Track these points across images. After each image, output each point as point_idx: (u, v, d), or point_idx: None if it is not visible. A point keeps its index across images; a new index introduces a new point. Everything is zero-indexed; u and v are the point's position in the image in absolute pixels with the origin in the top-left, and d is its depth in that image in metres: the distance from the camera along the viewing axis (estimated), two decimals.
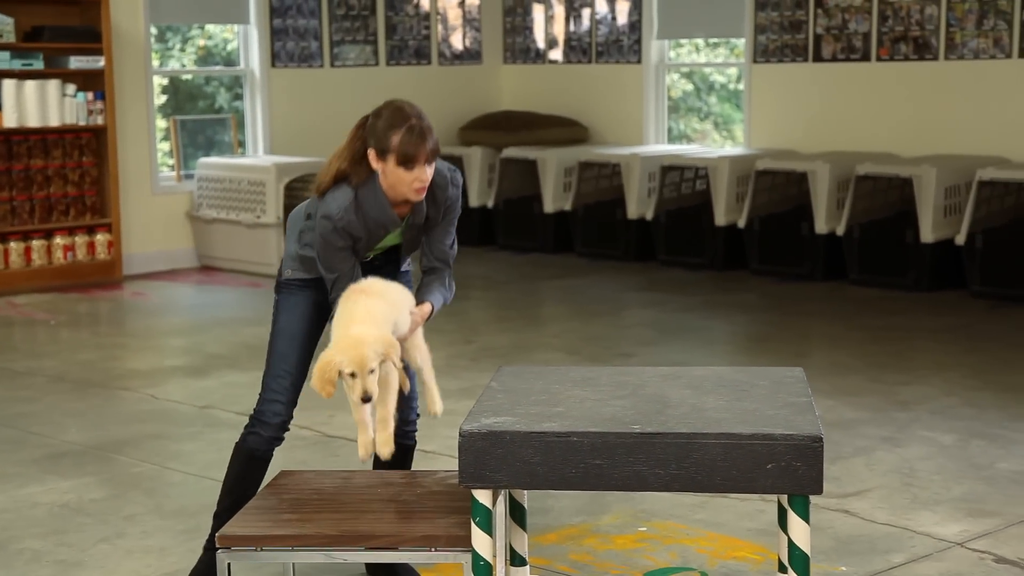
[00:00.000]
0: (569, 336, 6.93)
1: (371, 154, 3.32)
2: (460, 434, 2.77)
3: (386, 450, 3.19)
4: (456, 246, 3.59)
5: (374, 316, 3.17)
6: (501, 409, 2.94)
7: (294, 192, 8.99)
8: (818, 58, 8.96)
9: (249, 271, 8.90)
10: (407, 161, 3.27)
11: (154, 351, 6.74)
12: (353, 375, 3.08)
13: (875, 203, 8.10)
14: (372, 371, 3.09)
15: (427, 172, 3.30)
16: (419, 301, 3.51)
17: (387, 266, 3.53)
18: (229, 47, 9.97)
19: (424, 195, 3.35)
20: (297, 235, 3.51)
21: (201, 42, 10.16)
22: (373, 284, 3.28)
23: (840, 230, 8.14)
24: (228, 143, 9.65)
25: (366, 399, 3.11)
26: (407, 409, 3.66)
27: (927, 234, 7.78)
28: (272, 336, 3.57)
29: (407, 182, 3.30)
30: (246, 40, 9.52)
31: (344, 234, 3.33)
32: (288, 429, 3.59)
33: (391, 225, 3.39)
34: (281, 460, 4.78)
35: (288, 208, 8.85)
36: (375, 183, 3.34)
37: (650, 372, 3.31)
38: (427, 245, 3.52)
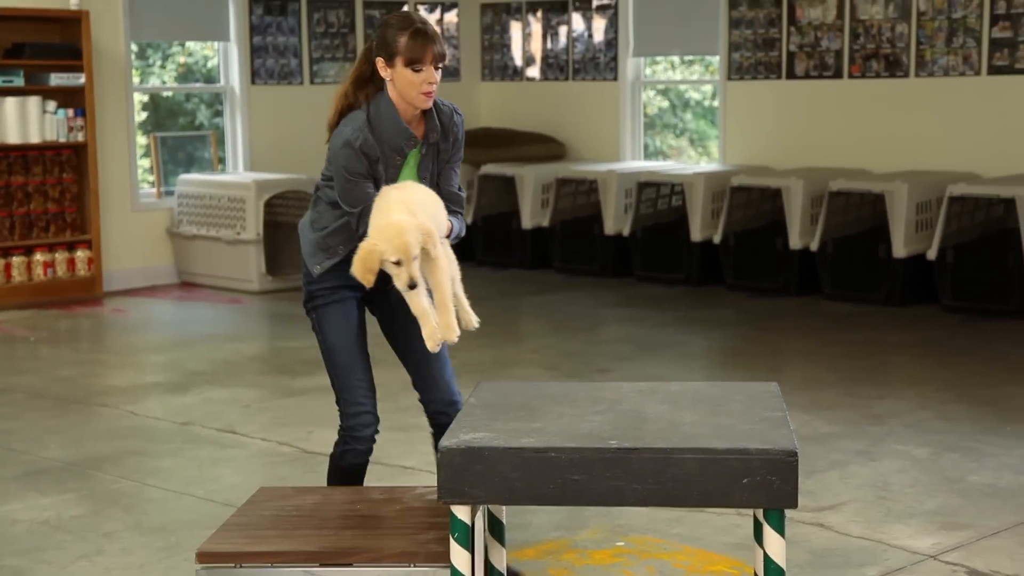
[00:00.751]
0: (547, 352, 6.93)
1: (379, 63, 3.33)
2: (439, 450, 2.77)
3: (452, 335, 3.16)
4: (464, 191, 3.57)
5: (409, 205, 3.13)
6: (480, 425, 2.94)
7: (274, 209, 8.97)
8: (791, 75, 9.02)
9: (229, 287, 8.88)
10: (415, 61, 3.27)
11: (134, 367, 6.71)
12: (398, 263, 3.04)
13: (848, 218, 8.14)
14: (415, 257, 3.05)
15: (435, 75, 3.29)
16: None
17: None
18: (209, 64, 9.96)
19: (432, 101, 3.34)
20: (310, 225, 3.49)
21: (181, 59, 10.14)
22: (406, 182, 3.29)
23: (814, 245, 8.18)
24: (208, 160, 9.62)
25: (412, 285, 3.06)
26: (447, 391, 3.58)
27: (899, 249, 7.83)
28: (326, 355, 3.54)
29: (416, 84, 3.28)
30: (226, 57, 9.51)
31: (362, 157, 3.30)
32: (379, 432, 3.58)
33: (406, 143, 3.35)
34: (260, 476, 4.77)
35: (268, 224, 8.83)
36: (385, 98, 3.34)
37: (627, 387, 3.32)
38: (438, 189, 3.45)
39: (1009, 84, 8.16)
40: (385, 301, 3.52)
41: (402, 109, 3.34)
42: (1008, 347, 6.81)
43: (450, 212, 3.44)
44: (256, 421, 5.55)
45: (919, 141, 8.57)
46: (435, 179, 3.44)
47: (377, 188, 3.31)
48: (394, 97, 3.33)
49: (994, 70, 8.19)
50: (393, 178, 3.36)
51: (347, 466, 3.49)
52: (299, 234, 3.56)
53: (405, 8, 10.26)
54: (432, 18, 10.47)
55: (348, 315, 3.48)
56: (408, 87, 3.29)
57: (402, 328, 3.53)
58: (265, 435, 5.32)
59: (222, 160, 9.64)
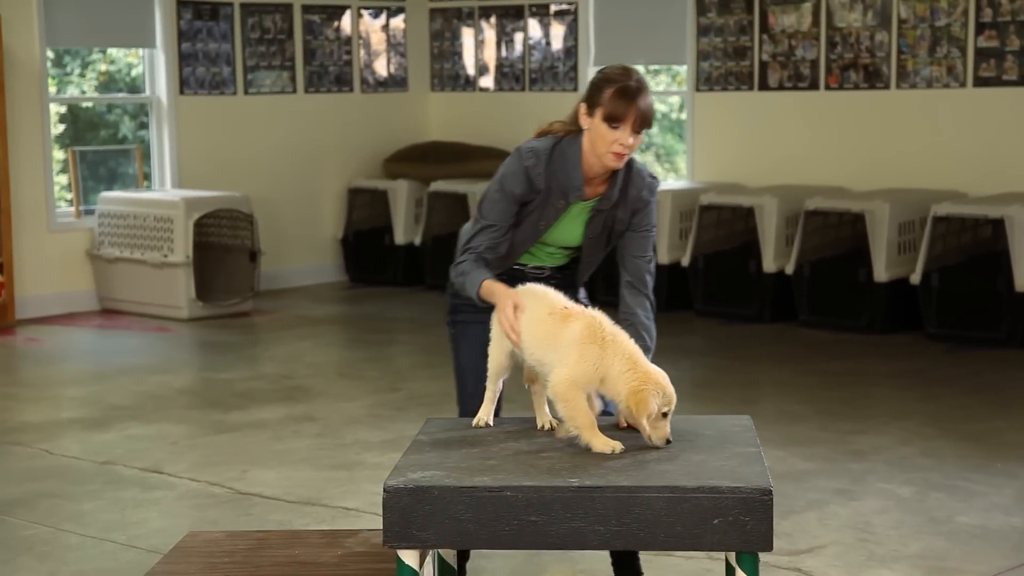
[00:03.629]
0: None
1: (581, 108, 3.42)
2: (384, 490, 2.76)
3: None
4: (654, 267, 3.59)
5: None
6: (429, 463, 2.93)
7: (205, 229, 8.92)
8: (764, 86, 9.11)
9: (155, 314, 8.82)
10: (613, 119, 3.34)
11: (50, 402, 6.64)
12: (665, 415, 3.05)
13: (826, 240, 8.22)
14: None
15: (631, 139, 3.35)
16: None
17: (564, 287, 3.42)
18: (134, 72, 9.91)
19: (621, 163, 3.38)
20: (466, 235, 3.57)
21: (103, 67, 10.09)
22: (531, 289, 3.27)
23: (789, 268, 8.24)
24: (132, 176, 9.56)
25: (669, 442, 3.06)
26: None
27: (880, 273, 7.91)
28: (456, 374, 3.66)
29: (608, 142, 3.35)
30: (152, 65, 9.48)
31: (523, 180, 3.40)
32: None
33: (572, 194, 3.42)
34: (189, 520, 4.73)
35: (198, 246, 8.79)
36: (578, 141, 3.42)
37: None
38: (620, 256, 3.54)
39: (996, 97, 8.29)
40: None
41: (588, 161, 3.43)
42: (997, 378, 6.89)
43: (632, 296, 3.50)
44: (184, 460, 5.50)
45: (901, 157, 8.67)
46: (606, 243, 3.54)
47: (522, 221, 3.44)
48: (585, 146, 3.43)
49: (980, 82, 8.31)
50: (549, 220, 3.45)
51: None
52: (458, 238, 3.69)
53: (382, 18, 10.27)
54: (377, 24, 10.49)
55: (486, 342, 3.43)
56: (600, 141, 3.38)
57: None
58: (194, 475, 5.27)
59: (147, 176, 9.58)
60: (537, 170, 3.41)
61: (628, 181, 3.46)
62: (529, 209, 3.45)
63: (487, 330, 3.36)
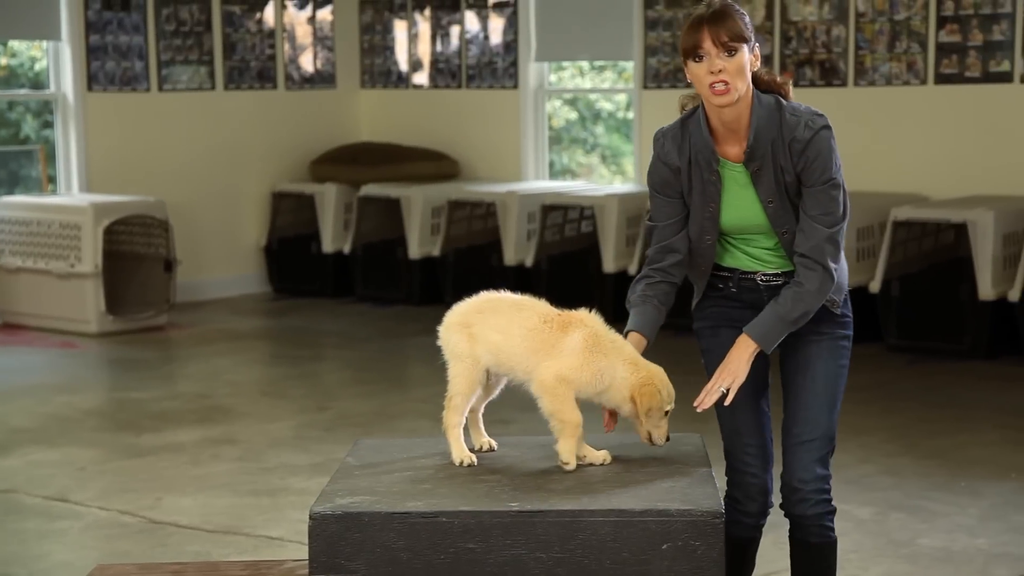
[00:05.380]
0: (437, 401, 6.85)
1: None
2: (311, 516, 2.75)
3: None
4: (838, 231, 3.23)
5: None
6: (358, 487, 2.93)
7: (116, 237, 8.85)
8: None
9: (61, 329, 8.73)
10: (692, 52, 3.18)
11: None
12: (667, 413, 3.14)
13: None
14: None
15: (720, 62, 3.14)
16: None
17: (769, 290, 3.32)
18: (37, 67, 9.81)
19: (727, 98, 3.16)
20: None
21: (3, 61, 9.98)
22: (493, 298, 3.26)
23: None
24: (36, 179, 9.46)
25: (668, 440, 3.16)
26: (795, 467, 3.42)
27: None
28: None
29: (702, 80, 3.18)
30: (57, 59, 9.39)
31: (658, 166, 3.31)
32: (771, 505, 3.48)
33: (712, 158, 3.24)
34: (98, 552, 4.68)
35: (108, 255, 8.71)
36: (701, 105, 3.28)
37: (530, 442, 3.33)
38: (798, 226, 3.25)
39: (958, 95, 8.41)
40: (795, 347, 3.40)
41: (713, 119, 3.26)
42: (961, 391, 6.99)
43: (801, 267, 3.25)
44: (93, 487, 5.45)
45: (859, 158, 8.77)
46: (790, 201, 3.26)
47: (686, 204, 3.30)
48: (706, 106, 3.28)
49: (942, 79, 8.43)
50: (713, 197, 3.27)
51: (733, 538, 3.34)
52: None
53: (308, 10, 10.24)
54: (302, 16, 10.46)
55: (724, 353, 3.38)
56: (698, 84, 3.21)
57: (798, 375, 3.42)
58: (103, 503, 5.22)
59: (52, 179, 9.48)
60: (666, 149, 3.30)
61: (780, 123, 3.22)
62: (691, 198, 3.30)
63: (725, 351, 3.32)
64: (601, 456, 3.14)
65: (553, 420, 3.07)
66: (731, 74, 3.16)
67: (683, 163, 3.29)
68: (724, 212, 3.29)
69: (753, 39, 3.24)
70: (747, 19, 3.24)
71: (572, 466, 3.05)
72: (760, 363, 3.38)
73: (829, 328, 3.36)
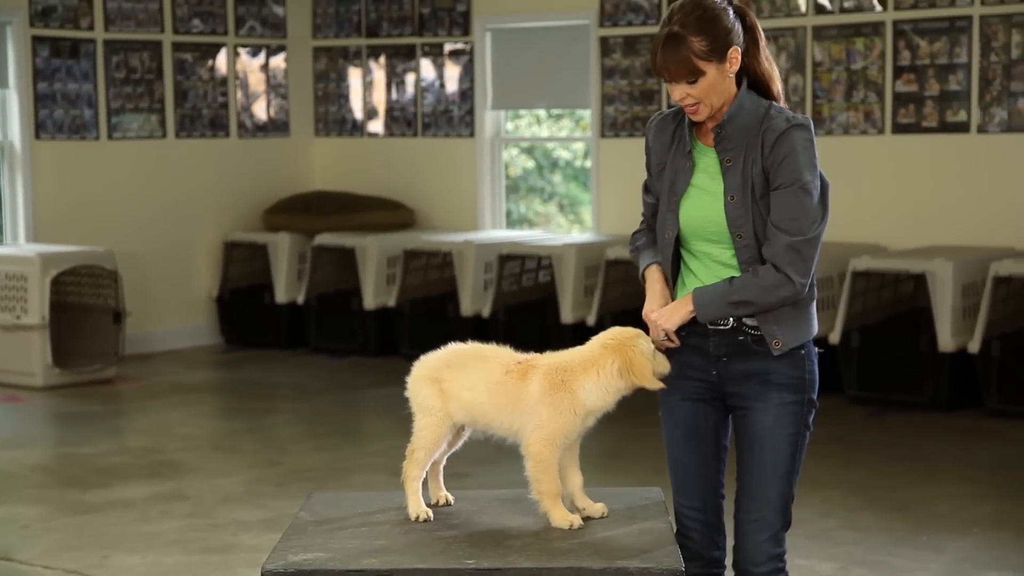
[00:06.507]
0: (394, 455, 6.86)
1: None
2: (263, 574, 2.73)
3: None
4: (803, 241, 3.17)
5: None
6: (312, 544, 2.91)
7: (63, 288, 8.79)
8: None
9: (6, 382, 8.65)
10: (656, 74, 3.20)
11: None
12: (658, 349, 3.20)
13: None
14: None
15: (681, 90, 3.14)
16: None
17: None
18: None
19: (698, 117, 3.16)
20: None
21: None
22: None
23: None
24: None
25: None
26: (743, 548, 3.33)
27: None
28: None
29: (675, 99, 3.19)
30: (4, 107, 9.35)
31: (648, 153, 3.32)
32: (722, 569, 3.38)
33: (688, 134, 3.22)
34: None
35: (56, 307, 8.65)
36: None
37: (487, 496, 3.32)
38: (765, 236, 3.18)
39: (916, 144, 8.51)
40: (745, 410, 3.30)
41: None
42: (922, 443, 7.03)
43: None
44: (38, 544, 5.38)
45: None
46: (753, 201, 3.17)
47: (658, 203, 3.30)
48: None
49: (899, 128, 8.54)
50: (681, 183, 3.23)
51: None
52: None
53: (260, 57, 10.25)
54: (255, 63, 10.47)
55: (673, 414, 3.37)
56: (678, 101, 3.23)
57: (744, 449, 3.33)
58: (49, 561, 5.16)
59: None
60: (651, 135, 3.32)
61: (762, 116, 3.17)
62: (661, 183, 3.29)
63: (669, 406, 3.31)
64: (599, 509, 3.15)
65: (534, 486, 3.09)
66: (697, 96, 3.16)
67: (662, 146, 3.29)
68: (685, 203, 3.23)
69: (724, 47, 3.14)
70: (712, 31, 3.13)
71: (576, 523, 3.05)
72: (711, 426, 3.32)
73: (777, 392, 3.25)
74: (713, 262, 3.25)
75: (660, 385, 3.16)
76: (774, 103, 3.23)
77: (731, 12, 3.20)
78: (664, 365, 3.18)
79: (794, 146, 3.12)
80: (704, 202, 3.22)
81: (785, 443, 3.25)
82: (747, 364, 3.25)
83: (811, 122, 3.19)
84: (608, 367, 3.11)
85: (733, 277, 3.19)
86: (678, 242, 3.28)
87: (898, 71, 8.50)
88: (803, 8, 8.71)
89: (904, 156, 8.54)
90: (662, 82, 9.78)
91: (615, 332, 3.20)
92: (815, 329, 3.32)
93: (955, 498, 6.01)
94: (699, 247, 3.26)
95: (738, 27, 3.19)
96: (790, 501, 3.30)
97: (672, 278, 3.32)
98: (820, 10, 8.70)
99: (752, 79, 3.24)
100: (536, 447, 3.05)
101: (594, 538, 2.95)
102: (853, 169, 8.70)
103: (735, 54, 3.18)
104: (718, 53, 3.15)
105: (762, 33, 3.27)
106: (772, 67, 3.27)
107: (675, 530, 3.28)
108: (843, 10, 8.63)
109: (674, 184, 3.26)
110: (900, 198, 8.57)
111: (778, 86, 3.26)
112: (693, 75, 3.13)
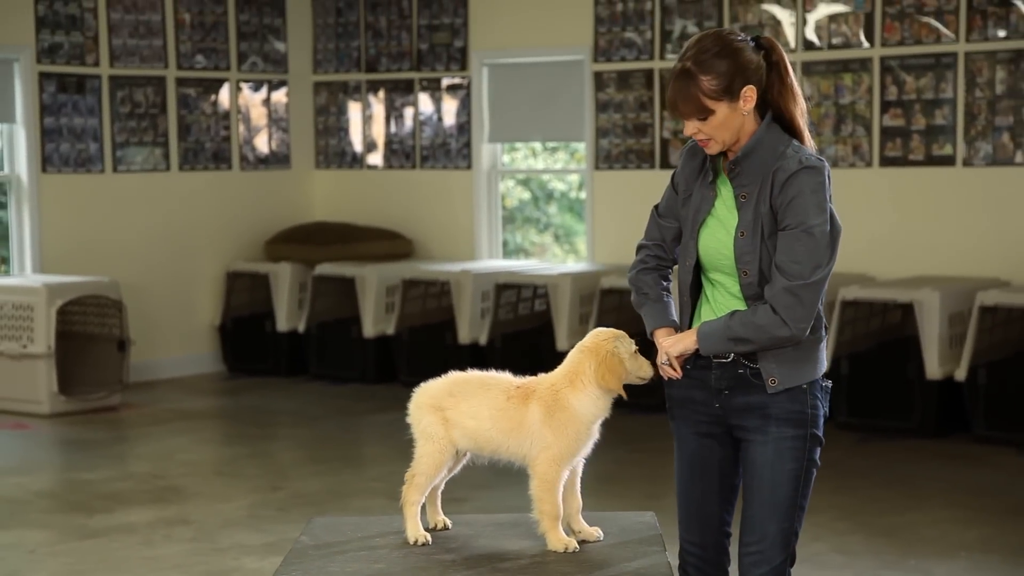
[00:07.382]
0: (393, 480, 6.87)
1: None
2: None
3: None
4: (803, 285, 3.07)
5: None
6: (312, 568, 2.92)
7: (69, 317, 8.80)
8: (665, 164, 9.28)
9: (12, 410, 8.64)
10: (668, 108, 3.19)
11: None
12: (638, 350, 3.20)
13: None
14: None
15: (693, 126, 3.12)
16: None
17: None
18: None
19: (711, 149, 3.15)
20: None
21: None
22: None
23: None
24: None
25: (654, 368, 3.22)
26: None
27: None
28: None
29: (690, 133, 3.17)
30: (11, 141, 9.38)
31: (676, 176, 3.28)
32: None
33: (711, 164, 3.19)
34: None
35: (61, 336, 8.66)
36: None
37: (484, 520, 3.33)
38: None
39: (903, 177, 8.54)
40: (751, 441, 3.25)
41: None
42: (910, 469, 7.04)
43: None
44: (44, 569, 5.38)
45: None
46: (761, 240, 3.12)
47: (682, 229, 3.27)
48: None
49: (886, 161, 8.58)
50: (703, 212, 3.19)
51: None
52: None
53: (262, 92, 10.29)
54: (257, 97, 10.52)
55: (681, 447, 3.37)
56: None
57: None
58: None
59: (5, 260, 9.44)
60: (682, 161, 3.29)
61: (780, 154, 3.11)
62: (687, 211, 3.26)
63: (678, 440, 3.32)
64: (594, 533, 3.17)
65: (536, 506, 3.12)
66: (708, 133, 3.14)
67: (691, 172, 3.26)
68: (703, 233, 3.21)
69: (737, 86, 3.10)
70: (725, 69, 3.09)
71: (572, 547, 3.08)
72: (715, 462, 3.31)
73: (777, 427, 3.18)
74: (727, 293, 3.23)
75: (622, 393, 3.17)
76: (794, 142, 3.16)
77: (751, 48, 3.13)
78: (645, 369, 3.19)
79: (802, 188, 3.08)
80: (719, 234, 3.20)
81: (785, 478, 3.20)
82: (748, 397, 3.21)
83: (826, 164, 3.14)
84: (587, 371, 3.14)
85: (735, 312, 3.15)
86: (698, 269, 3.27)
87: (885, 106, 8.55)
88: (792, 44, 8.76)
89: (891, 189, 8.58)
90: (655, 116, 9.88)
91: (593, 334, 3.23)
92: (822, 369, 3.22)
93: (943, 523, 6.02)
94: (716, 276, 3.24)
95: (758, 63, 3.14)
96: (792, 536, 3.25)
97: (692, 305, 3.29)
98: (809, 46, 8.75)
99: (776, 113, 3.19)
100: (543, 467, 3.08)
101: (590, 563, 2.96)
102: (842, 201, 8.66)
103: (750, 93, 3.12)
104: (729, 93, 3.10)
105: (790, 68, 3.21)
106: (796, 103, 3.20)
107: (677, 563, 3.29)
108: (831, 46, 8.68)
109: (697, 212, 3.23)
110: (888, 229, 8.60)
111: (802, 122, 3.21)
112: (702, 113, 3.10)
